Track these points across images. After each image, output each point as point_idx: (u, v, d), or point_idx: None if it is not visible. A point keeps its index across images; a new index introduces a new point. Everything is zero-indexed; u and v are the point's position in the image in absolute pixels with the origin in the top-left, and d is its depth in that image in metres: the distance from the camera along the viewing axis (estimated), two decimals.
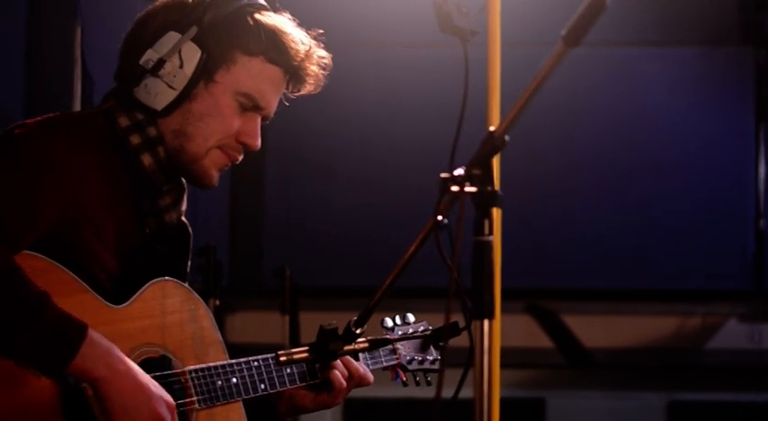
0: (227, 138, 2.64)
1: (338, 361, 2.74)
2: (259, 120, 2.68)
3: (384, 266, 5.95)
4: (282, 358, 2.56)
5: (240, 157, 2.71)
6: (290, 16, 2.72)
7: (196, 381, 2.57)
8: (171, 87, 2.60)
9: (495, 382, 3.59)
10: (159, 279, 2.60)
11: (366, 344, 2.64)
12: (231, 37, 2.62)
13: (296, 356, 2.56)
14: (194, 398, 2.57)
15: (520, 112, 2.05)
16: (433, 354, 3.00)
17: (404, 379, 2.96)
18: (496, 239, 3.64)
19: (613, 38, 5.73)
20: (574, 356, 6.18)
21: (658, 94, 6.13)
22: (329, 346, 2.53)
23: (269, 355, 2.68)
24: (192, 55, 2.59)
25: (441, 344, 3.01)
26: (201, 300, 2.68)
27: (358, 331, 2.51)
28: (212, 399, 2.59)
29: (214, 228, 5.77)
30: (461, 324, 2.44)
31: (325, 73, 2.72)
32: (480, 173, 2.08)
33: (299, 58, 2.67)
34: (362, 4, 5.47)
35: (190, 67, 2.59)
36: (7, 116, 3.70)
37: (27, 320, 2.30)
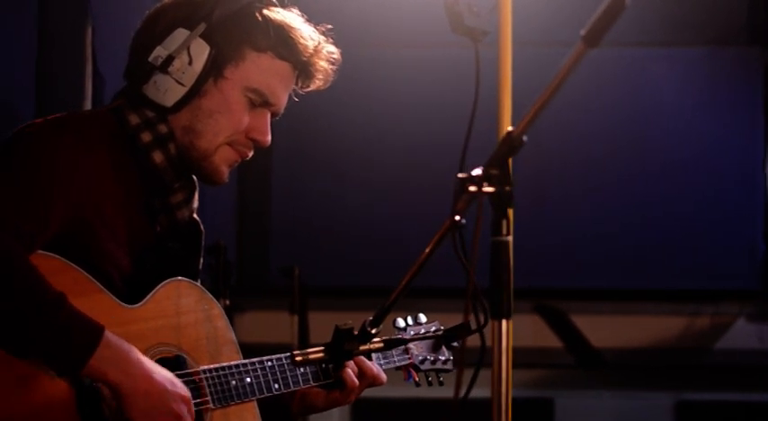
0: (236, 134, 2.64)
1: (351, 361, 2.74)
2: (269, 115, 2.69)
3: (393, 266, 5.95)
4: (298, 358, 2.55)
5: (250, 154, 2.71)
6: (299, 12, 2.73)
7: (210, 381, 2.57)
8: (180, 84, 2.60)
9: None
10: (173, 279, 2.60)
11: (381, 345, 2.63)
12: (240, 33, 2.62)
13: (311, 356, 2.55)
14: (209, 398, 2.57)
15: (538, 113, 2.05)
16: (445, 355, 3.01)
17: (416, 379, 2.96)
18: None
19: (621, 38, 5.72)
20: (582, 356, 6.17)
21: (667, 95, 6.12)
22: (344, 346, 2.52)
23: (283, 355, 2.68)
24: (201, 51, 2.60)
25: (453, 344, 3.02)
26: (215, 300, 2.68)
27: (373, 331, 2.50)
28: (226, 399, 2.59)
29: (221, 227, 5.76)
30: (472, 324, 2.44)
31: (335, 68, 2.72)
32: (498, 173, 2.08)
33: (308, 54, 2.67)
34: (372, 3, 5.46)
35: (199, 64, 2.59)
36: (19, 115, 3.70)
37: (44, 321, 2.30)
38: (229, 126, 2.63)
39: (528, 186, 5.76)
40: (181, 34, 2.59)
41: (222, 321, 2.67)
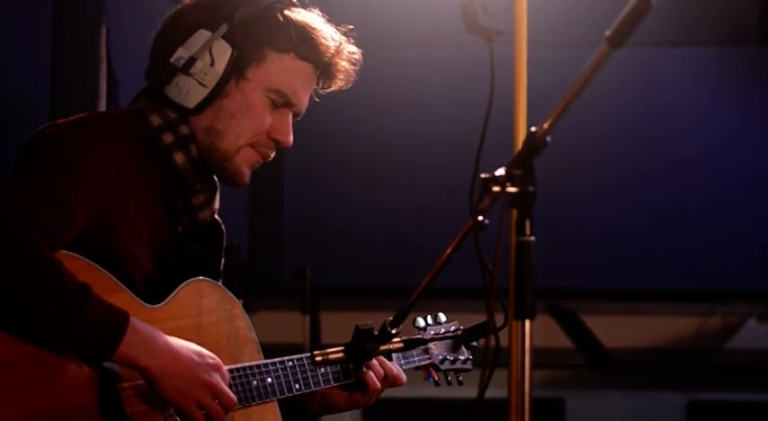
0: (258, 135, 2.65)
1: (373, 361, 2.75)
2: (290, 116, 2.70)
3: (405, 266, 5.99)
4: (318, 358, 2.56)
5: (272, 155, 2.72)
6: (320, 12, 2.73)
7: (232, 381, 2.58)
8: (202, 85, 2.61)
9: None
10: (194, 279, 2.61)
11: (401, 345, 2.64)
12: (261, 34, 2.63)
13: (331, 356, 2.56)
14: None
15: (562, 113, 2.05)
16: (464, 354, 3.01)
17: (436, 378, 2.97)
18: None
19: (632, 38, 5.72)
20: (593, 356, 6.17)
21: (678, 95, 6.11)
22: (365, 346, 2.53)
23: (303, 355, 2.69)
24: (223, 52, 2.60)
25: (472, 343, 3.02)
26: (236, 300, 2.69)
27: (394, 331, 2.51)
28: (248, 399, 2.60)
29: (234, 227, 5.76)
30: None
31: (356, 69, 2.73)
32: (521, 173, 2.09)
33: (329, 54, 2.68)
34: (386, 3, 5.46)
35: (221, 65, 2.61)
36: (34, 115, 3.71)
37: (71, 311, 2.32)
38: (251, 127, 2.64)
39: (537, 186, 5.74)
40: (202, 35, 2.61)
41: (243, 321, 2.68)
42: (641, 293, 6.17)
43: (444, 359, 2.96)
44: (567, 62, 5.49)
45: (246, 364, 2.62)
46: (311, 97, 2.73)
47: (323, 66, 2.69)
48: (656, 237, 6.11)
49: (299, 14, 2.67)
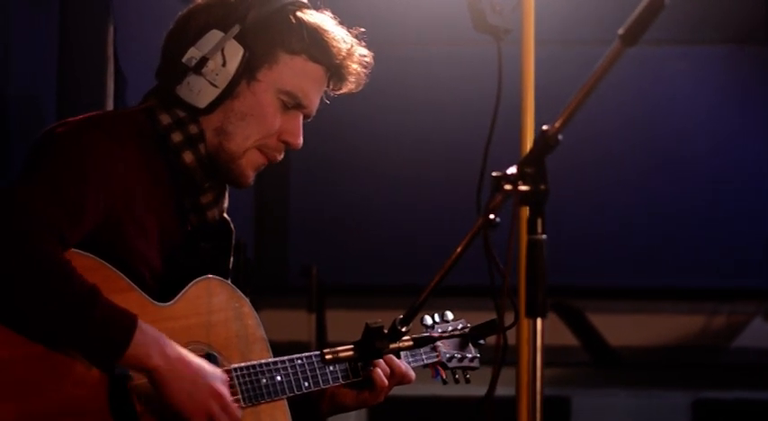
0: (267, 137, 2.66)
1: (382, 360, 2.75)
2: (301, 118, 2.70)
3: (411, 264, 5.99)
4: (328, 356, 2.56)
5: (280, 157, 2.72)
6: (332, 15, 2.73)
7: (241, 379, 2.58)
8: (213, 85, 2.61)
9: (526, 380, 3.58)
10: (204, 277, 2.61)
11: (411, 343, 2.64)
12: (274, 35, 2.63)
13: (341, 354, 2.56)
14: (239, 397, 2.57)
15: (575, 112, 2.05)
16: (471, 352, 3.01)
17: (444, 376, 2.97)
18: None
19: None
20: (599, 355, 6.17)
21: (685, 93, 6.12)
22: (375, 345, 2.53)
23: (313, 353, 2.69)
24: (235, 53, 2.60)
25: (480, 341, 3.02)
26: (245, 298, 2.69)
27: (404, 329, 2.51)
28: (257, 397, 2.60)
29: (240, 225, 5.76)
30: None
31: (367, 71, 2.73)
32: (533, 171, 2.08)
33: (340, 57, 2.68)
34: (394, 1, 5.46)
35: (233, 66, 2.60)
36: (41, 114, 3.71)
37: (80, 312, 2.31)
38: (261, 129, 2.64)
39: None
40: (215, 36, 2.60)
41: (253, 319, 2.68)
42: (647, 292, 6.17)
43: (452, 357, 2.96)
44: (574, 60, 5.52)
45: (256, 362, 2.61)
46: (322, 99, 2.73)
47: (334, 68, 2.69)
48: (660, 235, 6.12)
49: (311, 16, 2.67)
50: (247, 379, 2.58)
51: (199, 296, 2.58)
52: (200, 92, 2.61)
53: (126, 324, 2.36)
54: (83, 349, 2.35)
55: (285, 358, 2.66)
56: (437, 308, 2.98)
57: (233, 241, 2.76)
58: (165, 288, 2.56)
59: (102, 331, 2.33)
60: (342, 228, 6.06)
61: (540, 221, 2.07)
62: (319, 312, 5.43)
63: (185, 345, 2.52)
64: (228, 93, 2.61)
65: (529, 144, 3.57)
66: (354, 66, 2.70)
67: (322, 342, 5.41)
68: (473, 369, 3.01)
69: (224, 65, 2.60)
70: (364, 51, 2.72)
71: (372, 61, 2.73)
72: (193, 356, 2.46)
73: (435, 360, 2.94)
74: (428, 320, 2.92)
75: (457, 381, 2.99)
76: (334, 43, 2.67)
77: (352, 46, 2.69)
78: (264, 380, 2.61)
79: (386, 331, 2.53)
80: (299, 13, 2.67)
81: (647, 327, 6.20)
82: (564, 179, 6.15)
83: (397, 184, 6.00)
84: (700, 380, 6.14)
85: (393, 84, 5.81)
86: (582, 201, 6.05)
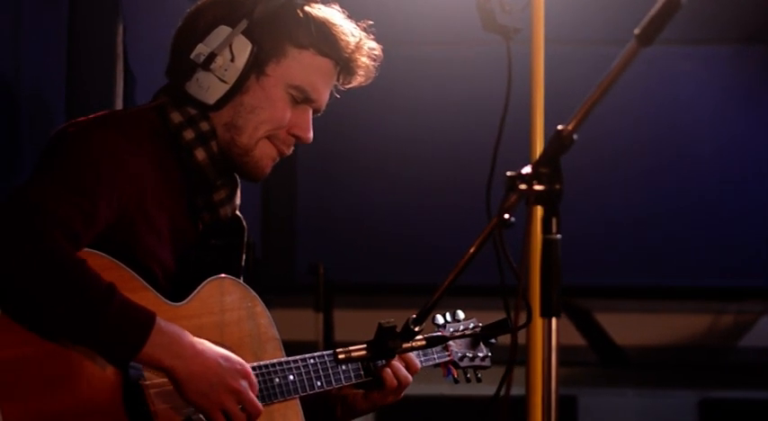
0: (277, 129, 2.65)
1: (394, 361, 2.75)
2: (310, 112, 2.70)
3: (419, 263, 5.97)
4: (341, 356, 2.56)
5: (289, 151, 2.72)
6: (340, 9, 2.73)
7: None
8: (222, 81, 2.61)
9: (537, 380, 3.59)
10: (216, 276, 2.61)
11: (424, 342, 2.64)
12: (281, 30, 2.63)
13: (354, 354, 2.56)
14: None
15: (590, 111, 2.05)
16: (483, 351, 3.02)
17: (455, 375, 2.97)
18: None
19: None
20: (606, 354, 6.17)
21: (689, 92, 6.11)
22: (388, 344, 2.53)
23: (325, 352, 2.69)
24: (243, 48, 2.60)
25: (491, 340, 3.02)
26: (258, 298, 2.69)
27: (417, 329, 2.51)
28: (270, 397, 2.60)
29: (247, 224, 5.76)
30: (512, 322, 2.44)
31: (376, 65, 2.73)
32: (548, 171, 2.08)
33: (349, 50, 2.68)
34: (403, 1, 5.46)
35: (241, 61, 2.60)
36: (49, 113, 3.71)
37: (96, 310, 2.31)
38: (271, 120, 2.64)
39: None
40: (223, 31, 2.60)
41: (265, 318, 2.68)
42: (653, 291, 6.17)
43: (464, 356, 2.96)
44: (583, 59, 5.52)
45: (269, 362, 2.62)
46: (331, 93, 2.73)
47: (343, 61, 2.68)
48: (667, 234, 6.11)
49: (319, 10, 2.67)
50: (260, 378, 2.58)
51: (212, 295, 2.58)
52: (209, 88, 2.61)
53: (142, 322, 2.35)
54: (98, 346, 2.34)
55: (298, 357, 2.67)
56: (447, 307, 2.98)
57: (245, 239, 2.76)
58: (177, 287, 2.56)
59: (118, 328, 2.33)
60: (349, 227, 6.06)
61: (555, 221, 2.08)
62: (326, 311, 5.43)
63: None
64: (237, 88, 2.61)
65: (539, 143, 3.58)
66: (363, 59, 2.70)
67: (329, 340, 5.41)
68: (484, 368, 3.02)
69: (232, 60, 2.60)
70: (373, 44, 2.72)
71: (381, 55, 2.73)
72: (213, 351, 2.45)
73: (447, 359, 2.94)
74: (440, 319, 2.93)
75: (468, 380, 2.99)
76: (343, 37, 2.67)
77: (360, 39, 2.69)
78: (277, 380, 2.61)
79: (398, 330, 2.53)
80: (306, 8, 2.66)
81: (654, 327, 6.19)
82: (569, 178, 6.13)
83: (405, 183, 6.00)
84: (706, 379, 6.13)
85: (401, 83, 5.81)
86: (588, 200, 6.04)
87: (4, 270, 2.27)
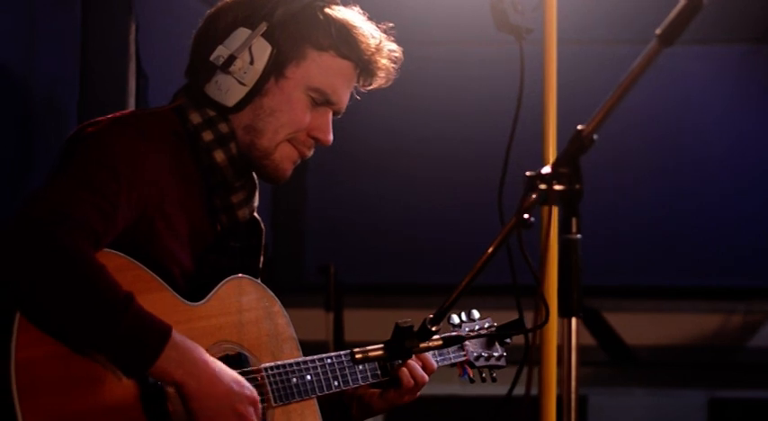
0: (297, 131, 2.65)
1: (411, 360, 2.75)
2: (330, 114, 2.69)
3: (429, 264, 5.96)
4: (358, 356, 2.56)
5: (310, 153, 2.72)
6: (360, 10, 2.73)
7: (272, 379, 2.58)
8: (242, 83, 2.60)
9: (551, 380, 3.59)
10: (234, 276, 2.61)
11: (440, 342, 2.63)
12: (301, 32, 2.63)
13: (371, 354, 2.56)
14: (270, 396, 2.58)
15: (610, 112, 2.06)
16: (498, 351, 3.02)
17: (471, 375, 2.98)
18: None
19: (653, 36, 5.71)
20: (615, 353, 6.17)
21: (700, 91, 6.11)
22: (404, 344, 2.53)
23: (342, 352, 2.69)
24: (263, 51, 2.60)
25: (506, 340, 3.03)
26: (276, 298, 2.69)
27: (434, 329, 2.50)
28: (288, 397, 2.60)
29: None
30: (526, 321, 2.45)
31: (396, 66, 2.72)
32: (568, 171, 2.09)
33: (369, 52, 2.67)
34: (416, 2, 5.45)
35: (260, 63, 2.60)
36: (63, 113, 3.71)
37: (112, 320, 2.29)
38: (291, 123, 2.64)
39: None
40: (242, 33, 2.60)
41: (283, 318, 2.69)
42: (663, 291, 6.17)
43: (479, 356, 2.97)
44: (596, 59, 5.51)
45: (286, 362, 2.62)
46: (351, 95, 2.72)
47: (363, 63, 2.68)
48: (677, 234, 6.11)
49: (339, 12, 2.67)
50: (278, 378, 2.59)
51: (229, 295, 2.58)
52: (228, 90, 2.61)
53: (158, 336, 2.33)
54: (111, 357, 2.32)
55: (315, 357, 2.67)
56: (460, 307, 2.98)
57: (263, 240, 2.76)
58: (195, 287, 2.56)
59: (132, 340, 2.30)
60: (359, 227, 6.06)
61: (574, 221, 2.08)
62: (337, 311, 5.43)
63: (217, 344, 2.53)
64: (257, 90, 2.61)
65: (551, 143, 3.58)
66: (384, 61, 2.70)
67: (340, 341, 5.41)
68: (500, 368, 3.02)
69: (252, 63, 2.60)
70: (393, 46, 2.71)
71: (401, 56, 2.73)
72: (226, 374, 2.43)
73: (463, 359, 2.95)
74: (455, 319, 2.93)
75: (484, 380, 3.00)
76: (363, 38, 2.67)
77: (380, 41, 2.69)
78: (295, 380, 2.62)
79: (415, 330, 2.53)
80: (326, 10, 2.66)
81: (664, 326, 6.19)
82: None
83: (415, 184, 5.99)
84: (716, 379, 6.13)
85: (412, 83, 5.77)
86: (598, 199, 6.03)
87: (22, 274, 2.25)
